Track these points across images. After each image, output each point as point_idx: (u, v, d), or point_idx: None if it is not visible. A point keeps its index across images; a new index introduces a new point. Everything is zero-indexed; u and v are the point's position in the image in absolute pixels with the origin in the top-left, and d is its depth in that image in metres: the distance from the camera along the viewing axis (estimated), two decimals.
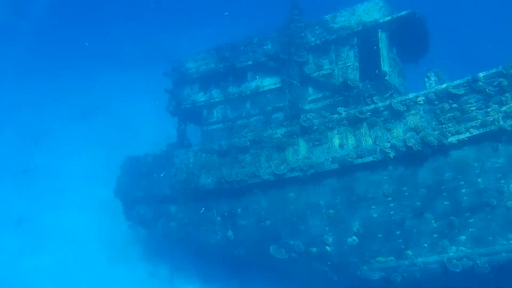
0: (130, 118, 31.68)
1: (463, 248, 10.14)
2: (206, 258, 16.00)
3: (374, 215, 10.84)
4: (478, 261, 9.83)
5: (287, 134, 12.11)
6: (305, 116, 11.91)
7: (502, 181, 9.85)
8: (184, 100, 15.88)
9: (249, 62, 14.52)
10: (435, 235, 10.37)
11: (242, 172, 12.28)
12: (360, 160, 10.83)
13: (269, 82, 14.15)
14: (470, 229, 10.11)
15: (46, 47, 41.02)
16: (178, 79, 16.18)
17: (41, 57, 40.16)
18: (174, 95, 16.19)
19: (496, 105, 10.00)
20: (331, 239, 11.27)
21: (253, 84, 14.38)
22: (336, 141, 11.47)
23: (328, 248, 11.30)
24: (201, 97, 15.49)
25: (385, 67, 12.54)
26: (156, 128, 27.67)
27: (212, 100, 15.14)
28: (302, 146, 11.88)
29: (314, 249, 11.49)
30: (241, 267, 14.90)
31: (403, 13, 12.63)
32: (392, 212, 10.68)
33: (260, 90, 14.19)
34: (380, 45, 12.81)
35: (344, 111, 11.58)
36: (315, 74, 13.31)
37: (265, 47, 14.36)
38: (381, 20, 12.80)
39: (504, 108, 9.82)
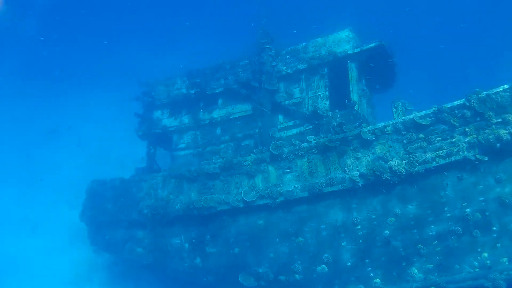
0: (99, 139, 31.03)
1: (431, 276, 10.14)
2: (174, 286, 15.52)
3: (343, 243, 10.75)
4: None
5: (257, 161, 12.00)
6: (275, 144, 11.85)
7: (468, 209, 9.98)
8: (155, 124, 15.64)
9: (220, 89, 14.49)
10: (404, 264, 10.35)
11: (211, 199, 12.06)
12: (329, 188, 10.80)
13: (240, 109, 14.11)
14: (438, 257, 10.15)
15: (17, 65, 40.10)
16: (148, 103, 15.95)
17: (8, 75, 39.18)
18: (145, 119, 15.93)
19: (461, 136, 10.23)
20: (300, 267, 11.08)
21: (224, 111, 14.31)
22: (306, 169, 11.42)
23: (297, 276, 11.09)
24: (171, 122, 15.29)
25: (355, 97, 12.70)
26: (126, 151, 27.17)
27: (183, 126, 14.96)
28: (272, 174, 11.79)
29: (283, 277, 11.27)
30: None
31: (372, 45, 12.89)
32: (360, 241, 10.62)
33: (231, 117, 14.13)
34: (349, 75, 13.01)
35: (314, 140, 11.59)
36: (286, 102, 13.36)
37: (236, 74, 14.36)
38: (351, 51, 13.02)
39: (467, 139, 10.04)
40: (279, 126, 13.19)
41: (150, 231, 13.57)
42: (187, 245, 12.77)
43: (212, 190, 12.39)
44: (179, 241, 12.92)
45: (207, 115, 14.62)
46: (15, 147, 32.51)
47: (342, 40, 13.43)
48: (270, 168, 11.86)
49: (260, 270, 11.51)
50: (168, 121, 15.37)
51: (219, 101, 14.60)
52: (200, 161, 13.73)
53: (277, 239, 11.40)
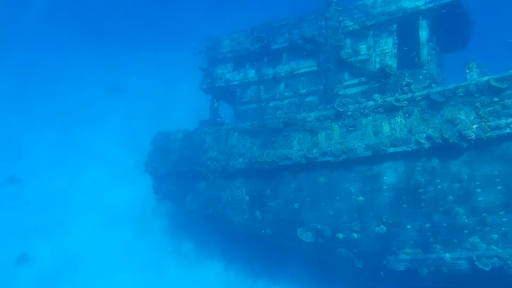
0: (162, 97, 31.91)
1: (494, 247, 9.93)
2: (231, 237, 16.20)
3: (404, 206, 10.71)
4: (509, 262, 9.62)
5: (320, 118, 12.02)
6: (340, 101, 11.78)
7: None
8: (218, 78, 15.88)
9: (285, 44, 14.38)
10: (466, 231, 10.17)
11: (274, 153, 12.29)
12: (393, 149, 10.69)
13: (304, 65, 14.00)
14: (503, 228, 9.88)
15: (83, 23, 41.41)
16: (212, 57, 16.15)
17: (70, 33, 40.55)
18: (208, 73, 16.20)
19: None
20: (359, 226, 11.21)
21: (288, 66, 14.27)
22: (370, 128, 11.32)
23: (355, 235, 11.25)
24: (235, 76, 15.46)
25: (424, 56, 12.22)
26: (188, 109, 27.83)
27: (246, 80, 15.10)
28: (336, 131, 11.78)
29: (340, 235, 11.46)
30: (266, 248, 15.02)
31: (447, 0, 12.22)
32: (422, 204, 10.53)
33: (295, 73, 14.08)
34: (420, 33, 12.48)
35: (380, 98, 11.39)
36: (352, 59, 13.07)
37: (302, 29, 14.15)
38: (423, 7, 12.42)
39: None
40: (344, 83, 13.01)
41: (212, 183, 14.06)
42: (247, 197, 13.18)
43: (275, 145, 12.59)
44: (240, 193, 13.34)
45: (271, 70, 14.63)
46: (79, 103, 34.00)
47: None
48: (334, 125, 11.84)
49: (319, 227, 11.75)
50: (232, 75, 15.55)
51: (284, 56, 14.53)
52: (263, 115, 13.89)
53: (337, 197, 11.53)
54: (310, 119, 12.14)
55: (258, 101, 14.69)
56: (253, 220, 13.08)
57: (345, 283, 13.37)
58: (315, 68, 13.69)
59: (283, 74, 14.28)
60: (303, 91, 13.76)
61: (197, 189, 14.51)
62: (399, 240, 10.86)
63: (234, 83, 15.39)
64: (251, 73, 15.05)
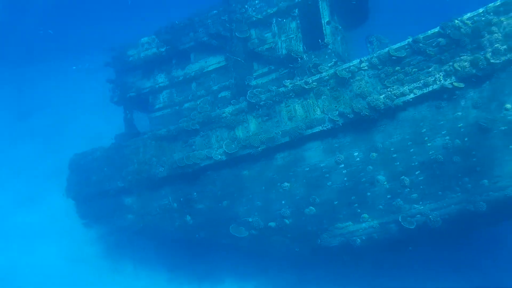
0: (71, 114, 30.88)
1: (415, 205, 10.71)
2: (169, 247, 16.08)
3: (328, 183, 11.23)
4: (430, 216, 10.43)
5: (235, 112, 12.24)
6: (252, 92, 12.06)
7: (447, 137, 10.42)
8: (129, 88, 15.64)
9: (191, 43, 14.42)
10: (389, 196, 10.88)
11: (194, 155, 12.36)
12: (310, 131, 11.15)
13: (213, 62, 14.14)
14: (421, 186, 10.69)
15: None
16: (120, 67, 15.91)
17: None
18: (118, 84, 15.93)
19: (437, 65, 10.55)
20: (288, 211, 11.58)
21: (197, 65, 14.36)
22: (285, 114, 11.71)
23: (286, 221, 11.62)
24: (145, 84, 15.29)
25: (328, 36, 12.81)
26: (102, 122, 27.20)
27: (157, 86, 14.99)
28: (252, 123, 12.06)
29: (273, 224, 11.79)
30: (205, 250, 15.09)
31: None
32: (345, 179, 11.10)
33: (205, 71, 14.17)
34: (321, 14, 13.06)
35: (290, 83, 11.79)
36: (259, 49, 13.37)
37: (206, 26, 14.31)
38: None
39: (444, 68, 10.37)
40: (254, 74, 13.28)
41: (138, 197, 13.91)
42: (175, 204, 13.18)
43: (194, 147, 12.66)
44: (167, 202, 13.31)
45: (181, 71, 14.64)
46: None
47: None
48: (249, 117, 12.12)
49: (250, 220, 11.99)
50: (142, 83, 15.38)
51: (191, 56, 14.57)
52: (179, 119, 13.91)
53: (263, 187, 11.82)
54: (225, 115, 12.33)
55: (172, 105, 14.65)
56: (185, 226, 13.09)
57: (288, 268, 13.80)
58: (224, 63, 13.87)
59: (193, 74, 14.34)
60: (215, 87, 13.92)
61: (124, 205, 14.29)
62: (330, 217, 11.36)
63: (145, 91, 15.23)
64: (161, 78, 14.98)
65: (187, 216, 12.97)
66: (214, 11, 14.39)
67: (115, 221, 14.69)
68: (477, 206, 10.15)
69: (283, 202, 11.65)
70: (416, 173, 10.67)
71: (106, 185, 14.48)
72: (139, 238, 16.00)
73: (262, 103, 11.88)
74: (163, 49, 14.91)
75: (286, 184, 11.56)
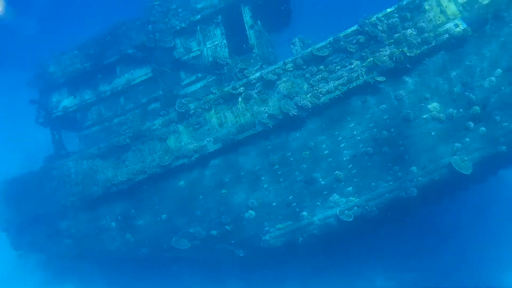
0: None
1: (352, 198, 11.12)
2: (113, 267, 15.71)
3: (265, 186, 11.42)
4: (366, 207, 10.87)
5: (165, 123, 12.16)
6: (180, 102, 12.04)
7: (375, 129, 10.91)
8: (54, 108, 15.15)
9: (116, 56, 14.17)
10: (325, 192, 11.22)
11: (127, 171, 12.17)
12: (241, 136, 11.28)
13: (140, 74, 13.97)
14: (355, 179, 11.11)
15: None
16: (43, 86, 15.36)
17: None
18: (42, 104, 15.37)
19: (359, 61, 11.03)
20: (228, 218, 11.66)
21: (124, 79, 14.12)
22: (215, 121, 11.78)
23: (227, 227, 11.68)
24: (72, 102, 14.85)
25: (253, 40, 13.04)
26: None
27: (84, 103, 14.63)
28: (183, 133, 12.03)
29: (214, 232, 11.81)
30: (151, 266, 14.88)
31: None
32: (281, 179, 11.33)
33: (132, 84, 13.96)
34: (244, 19, 13.27)
35: (218, 90, 11.89)
36: (185, 57, 13.39)
37: (130, 38, 14.11)
38: None
39: (365, 63, 10.87)
40: (182, 83, 13.25)
41: (74, 220, 13.52)
42: (113, 223, 12.91)
43: (127, 163, 12.46)
44: (105, 221, 13.02)
45: (107, 86, 14.33)
46: None
47: None
48: (180, 127, 12.08)
49: (191, 230, 11.96)
50: (68, 101, 14.94)
51: (117, 69, 14.34)
52: (109, 135, 13.65)
53: (201, 196, 11.83)
54: (155, 127, 12.22)
55: (101, 121, 14.32)
56: (127, 244, 12.84)
57: (236, 274, 13.89)
58: (151, 74, 13.75)
59: (120, 88, 14.09)
60: (144, 100, 13.77)
61: (60, 230, 13.81)
62: (270, 218, 11.55)
63: (72, 109, 14.81)
64: (88, 94, 14.62)
65: (127, 233, 12.74)
66: (137, 22, 14.23)
67: (52, 247, 14.16)
68: (408, 192, 10.71)
69: (222, 209, 11.72)
70: (349, 167, 11.09)
71: (38, 212, 13.93)
72: (82, 261, 15.51)
73: (191, 112, 11.89)
74: (87, 64, 14.55)
75: (223, 190, 11.63)
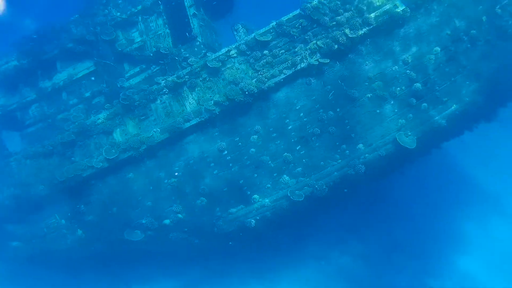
0: None
1: (301, 178, 11.37)
2: (67, 266, 15.31)
3: (215, 172, 11.49)
4: (316, 186, 11.12)
5: (110, 117, 12.00)
6: (124, 94, 11.89)
7: (321, 110, 11.18)
8: None
9: (56, 51, 13.77)
10: (275, 174, 11.43)
11: (74, 167, 11.90)
12: (188, 124, 11.30)
13: (82, 68, 13.63)
14: (303, 160, 11.35)
15: None
16: None
17: None
18: None
19: (302, 44, 11.24)
20: (180, 206, 11.68)
21: (65, 74, 13.73)
22: (161, 111, 11.73)
23: (180, 215, 11.72)
24: (10, 100, 14.32)
25: (195, 28, 13.00)
26: None
27: (24, 100, 14.13)
28: (129, 125, 11.90)
29: (167, 221, 11.82)
30: (107, 262, 14.59)
31: None
32: (230, 165, 11.44)
33: (74, 78, 13.60)
34: (186, 7, 13.20)
35: (162, 80, 11.83)
36: (128, 49, 13.18)
37: (69, 32, 13.72)
38: None
39: (308, 46, 11.08)
40: (126, 75, 13.05)
41: (21, 221, 13.13)
42: (63, 221, 12.66)
43: (73, 159, 12.20)
44: (54, 220, 12.73)
45: (48, 82, 13.87)
46: None
47: None
48: (126, 119, 11.95)
49: (144, 221, 11.89)
50: (6, 100, 14.38)
51: (58, 65, 13.91)
52: (53, 132, 13.27)
53: (151, 187, 11.78)
54: (100, 121, 12.04)
55: (44, 118, 13.80)
56: (79, 241, 12.62)
57: (193, 263, 13.93)
58: (93, 68, 13.45)
59: (61, 83, 13.70)
60: (87, 94, 13.47)
61: (7, 232, 13.36)
62: (222, 204, 11.68)
63: (11, 108, 14.27)
64: (28, 92, 14.14)
65: (78, 230, 12.51)
66: (76, 15, 13.89)
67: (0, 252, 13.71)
68: (356, 169, 11.06)
69: (173, 198, 11.72)
70: (297, 148, 11.33)
71: None
72: (33, 264, 15.04)
73: (136, 103, 11.79)
74: (25, 61, 14.03)
75: (173, 179, 11.63)
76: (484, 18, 10.94)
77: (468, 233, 17.67)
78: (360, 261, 15.87)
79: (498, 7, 10.95)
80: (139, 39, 13.27)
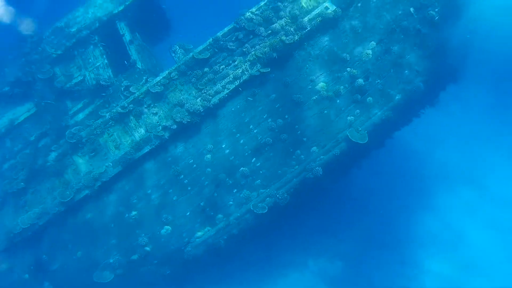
0: None
1: (262, 190, 11.42)
2: None
3: (174, 198, 11.40)
4: (278, 195, 11.19)
5: (59, 158, 11.73)
6: (70, 132, 11.66)
7: (269, 119, 11.28)
8: None
9: None
10: (235, 190, 11.43)
11: (28, 217, 11.50)
12: (139, 153, 11.18)
13: (22, 111, 13.24)
14: (260, 171, 11.41)
15: None
16: None
17: None
18: None
19: (241, 57, 11.34)
20: (146, 238, 11.47)
21: (6, 119, 13.28)
22: (111, 144, 11.56)
23: (147, 248, 11.50)
24: None
25: (134, 55, 12.91)
26: None
27: None
28: (80, 163, 11.67)
29: (135, 256, 11.56)
30: None
31: None
32: (189, 188, 11.37)
33: (16, 123, 13.21)
34: (122, 35, 13.13)
35: (107, 112, 11.68)
36: (68, 85, 12.94)
37: (3, 75, 13.34)
38: (116, 11, 13.10)
39: (248, 58, 11.19)
40: (70, 113, 12.79)
41: None
42: (27, 275, 12.17)
43: (27, 208, 11.82)
44: (16, 275, 12.24)
45: None
46: None
47: (104, 2, 13.37)
48: (76, 158, 11.72)
49: (111, 260, 11.62)
50: None
51: None
52: (1, 182, 12.82)
53: (112, 224, 11.55)
54: (49, 163, 11.77)
55: None
56: None
57: None
58: (35, 109, 13.10)
59: (4, 130, 13.26)
60: (32, 138, 13.05)
61: None
62: (187, 229, 11.57)
63: None
64: None
65: (45, 282, 12.06)
66: (9, 57, 13.53)
67: None
68: (314, 172, 11.18)
69: (137, 231, 11.51)
70: (253, 160, 11.38)
71: None
72: None
73: (84, 140, 11.58)
74: None
75: (133, 212, 11.45)
76: (412, 9, 11.33)
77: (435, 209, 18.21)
78: (337, 261, 16.03)
79: None
80: (78, 74, 13.07)
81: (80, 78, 12.96)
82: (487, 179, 19.71)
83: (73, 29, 13.31)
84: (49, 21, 13.86)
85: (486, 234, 17.30)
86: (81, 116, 12.68)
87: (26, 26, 13.71)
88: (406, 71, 11.55)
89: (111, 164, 11.29)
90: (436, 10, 11.22)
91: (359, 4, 11.46)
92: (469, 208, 18.33)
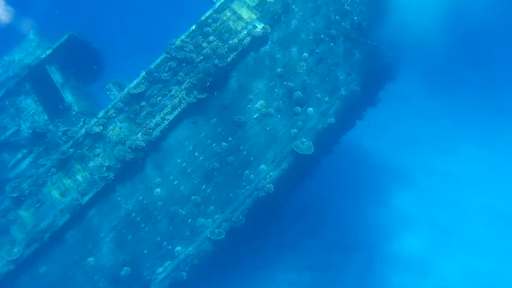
0: None
1: (217, 215, 11.46)
2: None
3: (129, 237, 11.26)
4: (233, 219, 11.26)
5: (2, 214, 11.37)
6: (10, 186, 11.36)
7: (214, 144, 11.37)
8: None
9: None
10: (190, 220, 11.43)
11: None
12: (86, 198, 11.00)
13: None
14: (213, 197, 11.46)
15: None
16: None
17: None
18: None
19: (177, 86, 11.41)
20: (106, 283, 11.26)
21: None
22: (56, 192, 11.34)
23: None
24: None
25: (69, 98, 12.76)
26: None
27: None
28: (25, 216, 11.35)
29: None
30: None
31: (62, 39, 12.94)
32: (143, 225, 11.26)
33: None
34: (54, 79, 12.93)
35: (47, 160, 11.45)
36: (3, 137, 12.58)
37: None
38: (43, 56, 12.88)
39: (183, 86, 11.27)
40: (9, 165, 12.45)
41: None
42: None
43: None
44: None
45: None
46: None
47: (31, 47, 13.15)
48: (20, 212, 11.39)
49: None
50: None
51: None
52: None
53: (69, 273, 11.26)
54: None
55: None
56: None
57: None
58: None
59: None
60: None
61: None
62: (147, 266, 11.43)
63: None
64: None
65: None
66: None
67: None
68: (266, 190, 11.32)
69: (96, 277, 11.28)
70: (203, 188, 11.41)
71: None
72: None
73: (27, 192, 11.29)
74: None
75: (89, 258, 11.21)
76: (337, 17, 11.78)
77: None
78: (306, 273, 16.17)
79: (346, 4, 11.85)
80: (12, 124, 12.74)
81: (15, 128, 12.62)
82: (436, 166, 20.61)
83: (1, 78, 12.98)
84: None
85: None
86: (22, 166, 12.33)
87: None
88: (341, 77, 11.98)
89: (58, 213, 11.03)
90: (360, 16, 11.71)
91: (286, 18, 11.75)
92: (420, 199, 19.06)
